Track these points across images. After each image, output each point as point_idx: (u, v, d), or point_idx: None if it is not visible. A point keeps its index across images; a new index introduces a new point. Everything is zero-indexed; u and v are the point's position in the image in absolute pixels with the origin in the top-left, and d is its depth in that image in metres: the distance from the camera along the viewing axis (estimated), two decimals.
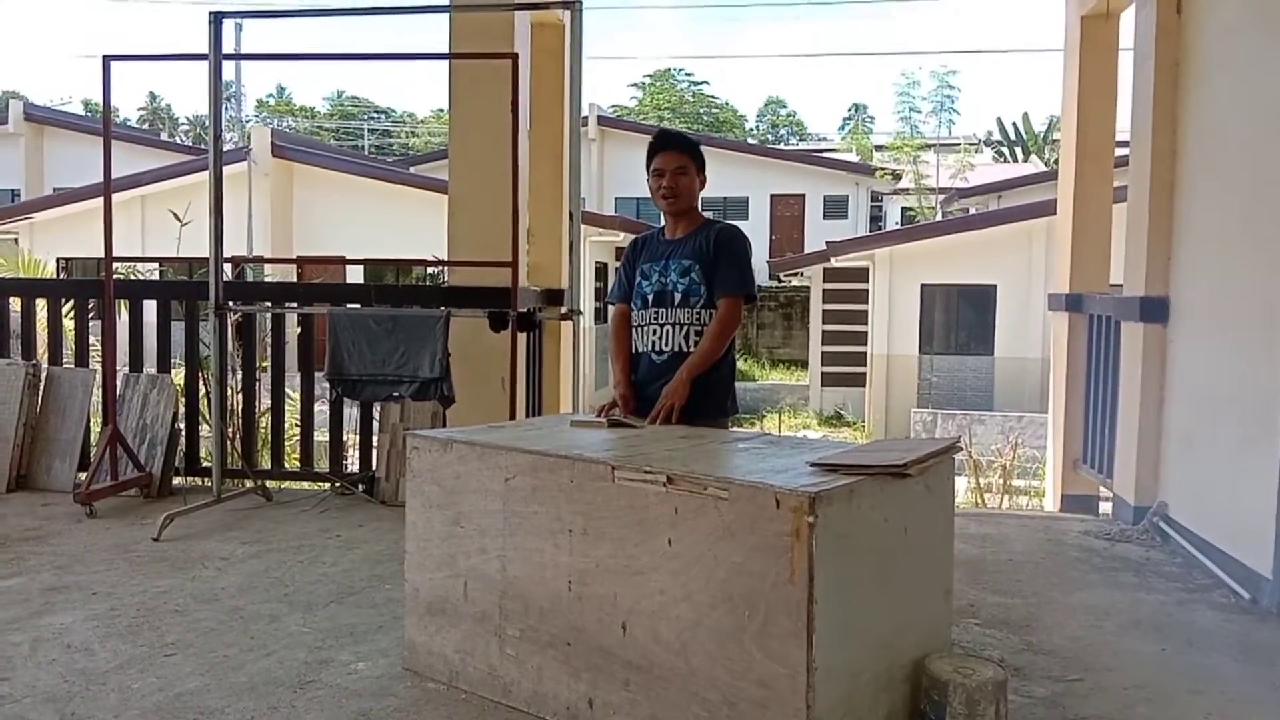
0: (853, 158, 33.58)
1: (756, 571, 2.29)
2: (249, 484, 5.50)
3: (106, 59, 5.07)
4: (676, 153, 3.62)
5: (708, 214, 3.78)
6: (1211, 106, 4.67)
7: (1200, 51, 4.80)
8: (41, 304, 6.22)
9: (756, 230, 26.71)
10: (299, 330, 5.99)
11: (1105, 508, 6.07)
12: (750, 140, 48.12)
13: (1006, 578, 4.23)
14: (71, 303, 6.87)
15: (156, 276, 10.75)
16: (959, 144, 31.56)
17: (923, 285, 17.71)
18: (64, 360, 5.99)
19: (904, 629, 2.58)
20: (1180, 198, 4.96)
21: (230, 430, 5.82)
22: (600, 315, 18.34)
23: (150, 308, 5.96)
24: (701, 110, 52.13)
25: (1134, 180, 5.31)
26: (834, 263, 18.63)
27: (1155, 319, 5.05)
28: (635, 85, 53.26)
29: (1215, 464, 4.45)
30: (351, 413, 5.86)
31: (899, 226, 27.62)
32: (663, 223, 3.77)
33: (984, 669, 2.50)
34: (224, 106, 5.26)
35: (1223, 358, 4.44)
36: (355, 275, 15.21)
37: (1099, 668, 3.22)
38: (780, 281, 25.61)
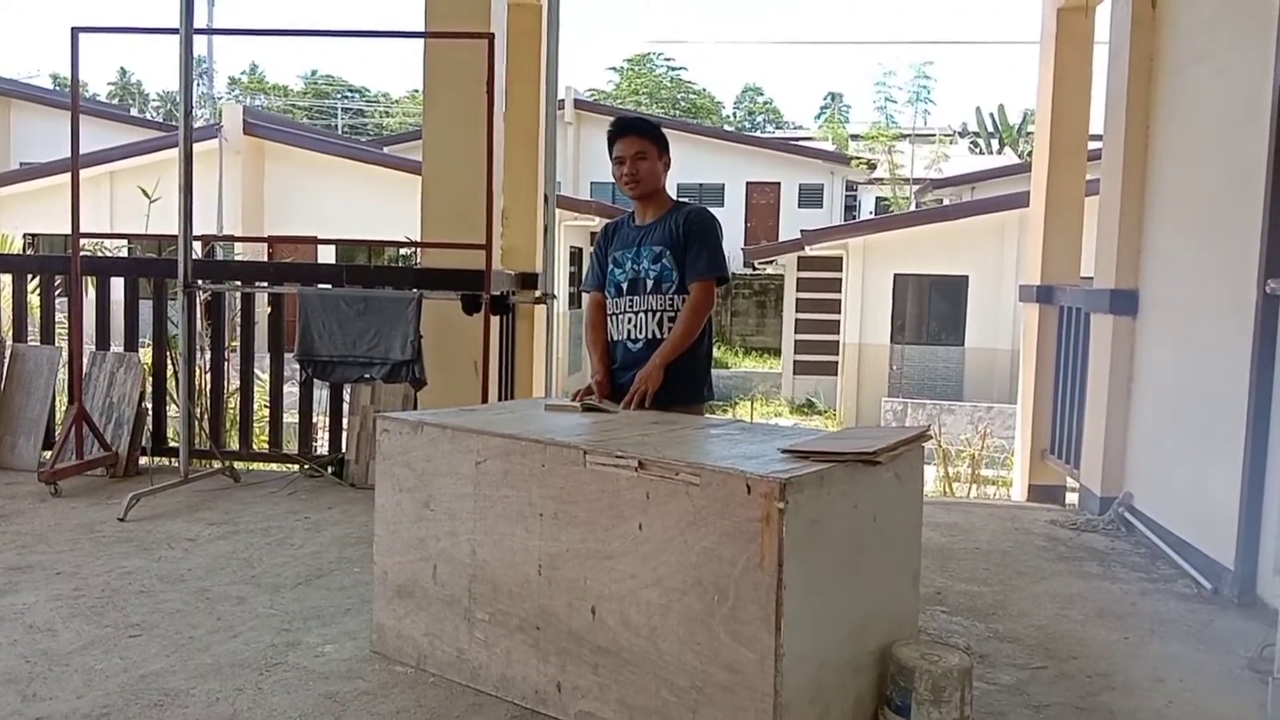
0: (828, 147, 33.63)
1: (726, 557, 2.30)
2: (216, 465, 5.45)
3: (75, 31, 4.98)
4: (635, 138, 3.60)
5: (683, 200, 3.77)
6: (1185, 101, 4.71)
7: (1175, 45, 4.83)
8: (6, 280, 6.14)
9: (731, 217, 26.73)
10: (269, 310, 5.94)
11: (1072, 498, 6.13)
12: (727, 127, 48.07)
13: (974, 566, 4.27)
14: (38, 279, 6.78)
15: (125, 254, 10.63)
16: (934, 135, 31.69)
17: (896, 275, 17.80)
18: (29, 337, 5.90)
19: (872, 615, 2.60)
20: (1152, 191, 5.00)
21: (198, 410, 5.77)
22: (574, 300, 18.31)
23: (118, 285, 5.88)
24: (679, 96, 52.00)
25: (1106, 173, 5.35)
26: (808, 251, 18.68)
27: (1125, 311, 5.10)
28: (613, 69, 53.21)
29: (1180, 456, 4.50)
30: (321, 394, 5.82)
31: (873, 216, 27.71)
32: (634, 208, 3.76)
33: (950, 656, 2.52)
34: (195, 83, 5.19)
35: (1191, 351, 4.49)
36: (327, 255, 15.13)
37: (1063, 655, 3.26)
38: (755, 269, 25.63)
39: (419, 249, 5.70)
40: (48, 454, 5.39)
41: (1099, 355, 5.35)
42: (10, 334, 5.84)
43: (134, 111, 38.31)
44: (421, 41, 5.27)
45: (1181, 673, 3.15)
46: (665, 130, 3.76)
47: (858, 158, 29.38)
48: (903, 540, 2.77)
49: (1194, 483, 4.31)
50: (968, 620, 3.57)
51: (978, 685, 2.83)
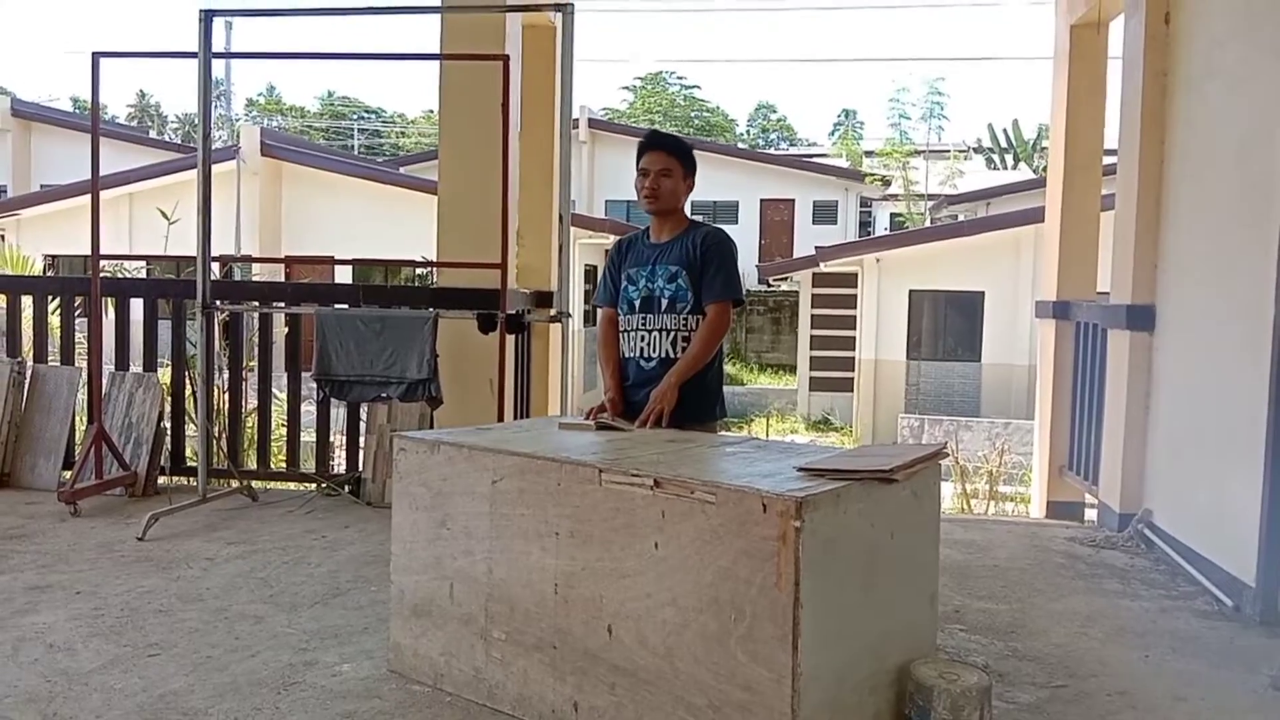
0: (843, 163, 33.65)
1: (743, 575, 2.29)
2: (234, 484, 5.48)
3: (95, 55, 5.05)
4: (663, 154, 3.62)
5: (696, 217, 3.78)
6: (1199, 116, 4.70)
7: (1188, 61, 4.82)
8: (27, 301, 6.18)
9: (746, 234, 26.74)
10: (286, 330, 5.98)
11: (1091, 514, 6.09)
12: (741, 144, 48.13)
13: (992, 583, 4.24)
14: (58, 300, 6.84)
15: (144, 275, 10.71)
16: (949, 150, 31.68)
17: (911, 291, 17.76)
18: (50, 358, 5.95)
19: (889, 634, 2.59)
20: (1167, 206, 4.99)
21: (216, 430, 5.79)
22: (589, 318, 18.33)
23: (137, 306, 5.93)
24: (692, 114, 52.06)
25: (1122, 188, 5.33)
26: (823, 268, 18.66)
27: (1141, 327, 5.08)
28: (626, 88, 53.20)
29: (1200, 472, 4.47)
30: (338, 413, 5.84)
31: (888, 232, 27.68)
32: (648, 224, 3.77)
33: (969, 674, 2.50)
34: (213, 105, 5.24)
35: (1208, 366, 4.46)
36: (344, 275, 15.21)
37: (1083, 674, 3.23)
38: (769, 286, 25.61)
39: (435, 268, 5.73)
40: (67, 474, 5.44)
41: (1116, 371, 5.32)
42: (31, 355, 5.89)
43: (152, 133, 38.70)
44: (437, 63, 5.31)
45: (1203, 691, 3.12)
46: None
47: (872, 174, 29.38)
48: (920, 558, 2.76)
49: (1214, 499, 4.28)
50: (986, 638, 3.55)
51: (997, 704, 2.81)
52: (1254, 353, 3.89)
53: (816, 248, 19.32)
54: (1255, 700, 3.08)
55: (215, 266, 5.71)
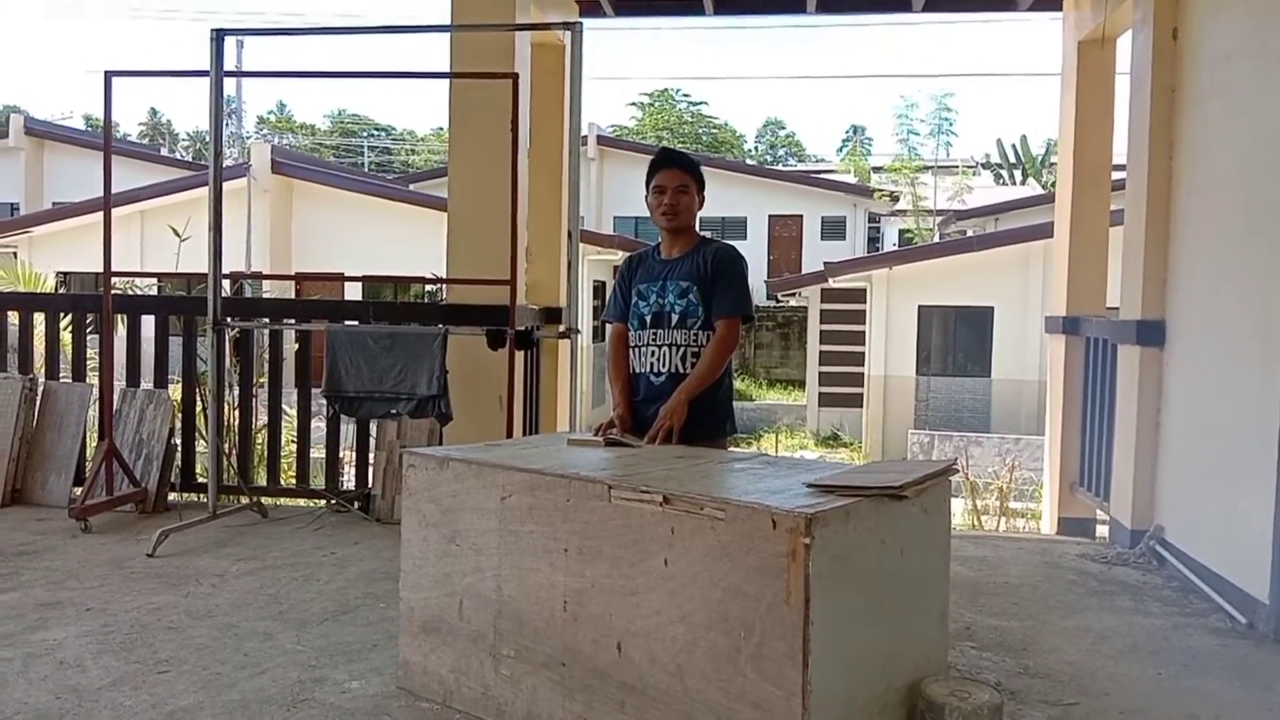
0: (851, 179, 33.70)
1: (752, 593, 2.29)
2: (244, 500, 5.49)
3: (108, 74, 5.09)
4: (679, 171, 3.65)
5: (705, 233, 3.80)
6: (1207, 131, 4.70)
7: (1197, 76, 4.83)
8: (39, 318, 6.22)
9: (754, 250, 26.79)
10: (297, 347, 5.99)
11: (1102, 531, 6.06)
12: (749, 161, 48.29)
13: (1003, 600, 4.22)
14: (69, 317, 6.87)
15: (155, 292, 10.76)
16: (957, 166, 31.71)
17: (920, 306, 17.76)
18: (61, 375, 5.98)
19: (900, 651, 2.58)
20: (1176, 221, 4.98)
21: (226, 446, 5.81)
22: (598, 334, 18.35)
23: (148, 323, 5.96)
24: (700, 130, 52.22)
25: (1130, 204, 5.33)
26: (832, 283, 18.68)
27: (1152, 342, 5.06)
28: (634, 105, 53.40)
29: (1212, 488, 4.45)
30: (348, 430, 5.85)
31: (896, 248, 27.68)
32: (658, 240, 3.79)
33: (980, 692, 2.49)
34: (224, 123, 5.28)
35: (1219, 381, 4.44)
36: (354, 292, 15.27)
37: (1095, 692, 3.21)
38: (778, 302, 25.63)
39: (444, 285, 5.74)
40: (78, 490, 5.45)
41: (1126, 387, 5.30)
42: (43, 371, 5.92)
43: (164, 151, 38.93)
44: (447, 81, 5.34)
45: (1217, 709, 3.10)
46: None
47: (880, 190, 29.41)
48: (930, 575, 2.75)
49: (1226, 515, 4.25)
50: (997, 656, 3.53)
51: None
52: (1265, 367, 3.87)
53: (825, 263, 19.35)
54: (1268, 717, 3.06)
55: (226, 283, 5.73)
